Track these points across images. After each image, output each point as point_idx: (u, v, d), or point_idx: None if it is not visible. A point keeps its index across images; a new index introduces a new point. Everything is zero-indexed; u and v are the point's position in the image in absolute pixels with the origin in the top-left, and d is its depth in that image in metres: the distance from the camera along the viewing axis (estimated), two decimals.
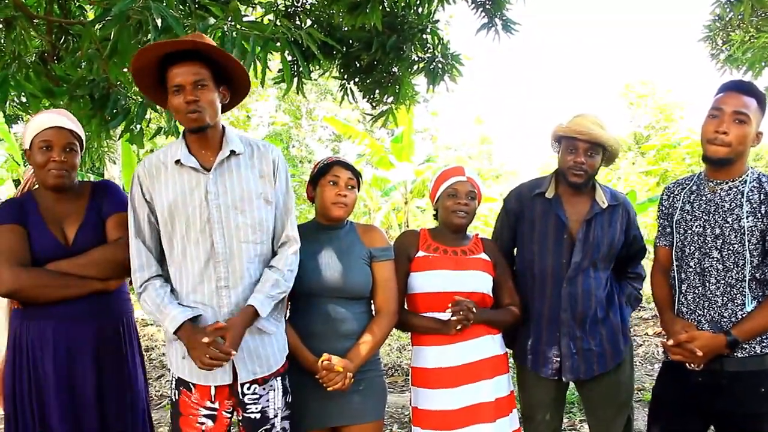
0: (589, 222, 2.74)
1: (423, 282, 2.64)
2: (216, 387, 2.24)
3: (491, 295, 2.71)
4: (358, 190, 2.62)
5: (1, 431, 2.47)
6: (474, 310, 2.53)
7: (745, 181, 2.31)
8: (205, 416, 2.25)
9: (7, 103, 4.22)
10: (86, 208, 2.48)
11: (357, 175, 2.60)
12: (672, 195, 2.51)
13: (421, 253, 2.69)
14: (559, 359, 2.72)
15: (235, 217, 2.24)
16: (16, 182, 10.62)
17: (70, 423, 2.36)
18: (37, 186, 2.54)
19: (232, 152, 2.27)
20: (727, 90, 2.31)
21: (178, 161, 2.23)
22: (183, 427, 2.28)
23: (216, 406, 2.25)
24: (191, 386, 2.25)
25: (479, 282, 2.66)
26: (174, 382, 2.30)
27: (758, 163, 17.39)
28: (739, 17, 5.16)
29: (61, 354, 2.35)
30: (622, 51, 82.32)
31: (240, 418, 2.30)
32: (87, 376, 2.39)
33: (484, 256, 2.74)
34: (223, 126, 2.31)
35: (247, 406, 2.28)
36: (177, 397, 2.28)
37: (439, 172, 2.83)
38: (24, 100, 3.61)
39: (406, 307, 2.73)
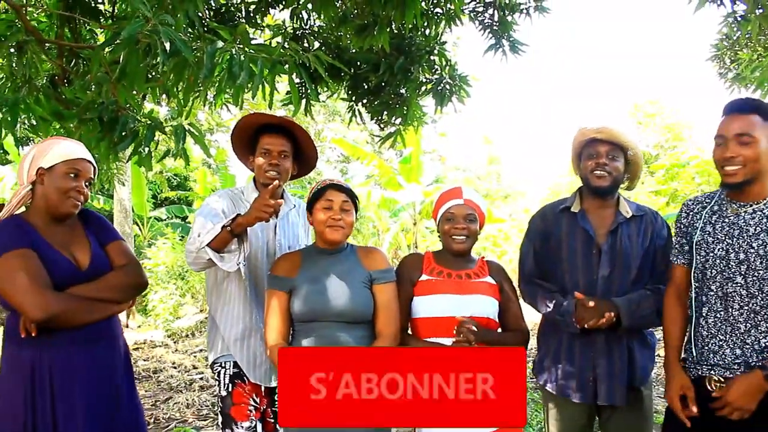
0: (614, 232, 2.67)
1: (426, 306, 2.61)
2: (265, 388, 2.79)
3: (497, 319, 2.66)
4: (356, 210, 2.62)
5: None
6: (474, 329, 2.48)
7: None
8: (252, 407, 2.76)
9: (18, 125, 4.25)
10: (86, 235, 2.50)
11: (352, 196, 2.60)
12: (691, 213, 2.43)
13: (424, 277, 2.66)
14: (593, 382, 2.64)
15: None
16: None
17: None
18: (22, 210, 2.46)
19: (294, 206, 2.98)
20: (728, 113, 2.27)
21: None
22: (234, 414, 2.73)
23: (258, 401, 2.78)
24: (246, 380, 2.76)
25: (483, 306, 2.61)
26: (228, 378, 2.77)
27: None
28: (747, 36, 5.16)
29: (81, 378, 2.33)
30: (631, 71, 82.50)
31: (270, 416, 2.86)
32: (112, 397, 2.40)
33: (489, 279, 2.70)
34: (283, 188, 2.92)
35: (275, 402, 2.81)
36: (231, 390, 2.76)
37: (437, 195, 2.79)
38: (34, 122, 3.63)
39: (410, 331, 2.69)
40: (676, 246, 2.48)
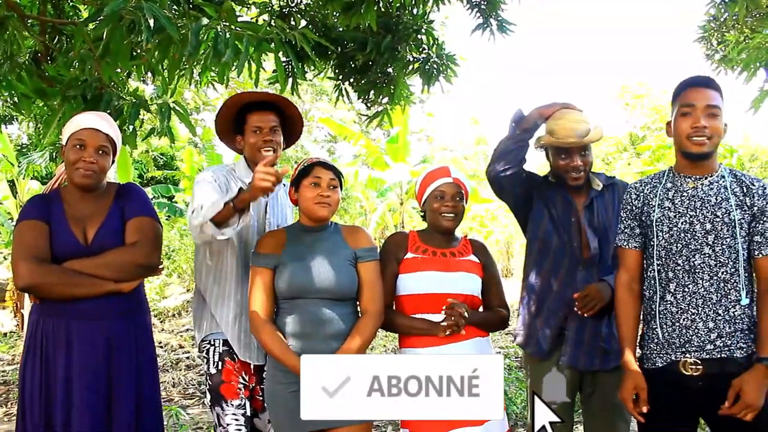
0: (589, 207, 2.74)
1: (411, 283, 2.64)
2: (254, 366, 2.73)
3: (480, 296, 2.70)
4: (341, 189, 2.64)
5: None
6: (466, 314, 2.53)
7: (723, 176, 2.31)
8: (242, 384, 2.69)
9: (0, 103, 4.19)
10: (108, 209, 2.53)
11: (338, 174, 2.62)
12: (642, 194, 2.43)
13: (409, 255, 2.69)
14: (562, 343, 2.70)
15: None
16: (10, 183, 10.59)
17: (75, 423, 2.36)
18: (66, 184, 2.60)
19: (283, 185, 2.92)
20: (692, 86, 2.31)
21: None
22: (225, 392, 2.65)
23: (247, 380, 2.71)
24: (235, 357, 2.69)
25: (468, 284, 2.65)
26: (218, 355, 2.69)
27: (753, 164, 17.40)
28: (734, 18, 5.16)
29: (72, 352, 2.39)
30: (619, 52, 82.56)
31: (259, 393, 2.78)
32: (97, 376, 2.41)
33: (473, 257, 2.73)
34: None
35: (263, 381, 2.72)
36: (221, 367, 2.67)
37: (424, 174, 2.81)
38: (16, 100, 3.58)
39: (394, 308, 2.72)
40: (625, 230, 2.47)
